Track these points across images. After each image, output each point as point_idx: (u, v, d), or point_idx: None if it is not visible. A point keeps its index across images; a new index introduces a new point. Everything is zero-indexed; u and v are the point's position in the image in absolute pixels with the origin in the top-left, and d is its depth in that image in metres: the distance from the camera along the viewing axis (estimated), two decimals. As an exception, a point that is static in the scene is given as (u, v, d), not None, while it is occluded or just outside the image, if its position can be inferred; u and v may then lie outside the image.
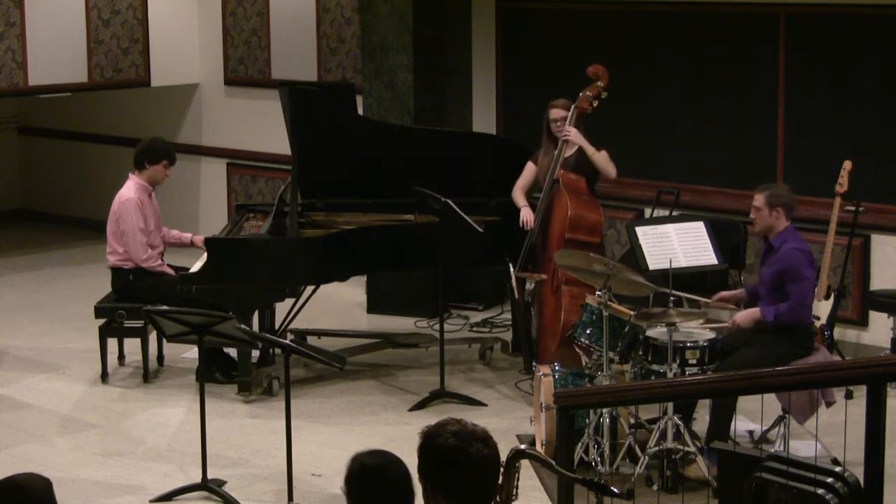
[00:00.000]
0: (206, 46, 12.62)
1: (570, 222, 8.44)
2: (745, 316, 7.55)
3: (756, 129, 9.71)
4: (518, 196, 8.84)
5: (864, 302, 9.20)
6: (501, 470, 3.84)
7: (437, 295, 8.89)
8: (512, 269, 8.71)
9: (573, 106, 8.60)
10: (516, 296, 8.87)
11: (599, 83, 8.62)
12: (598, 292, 7.46)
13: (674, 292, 7.46)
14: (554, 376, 7.57)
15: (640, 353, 7.40)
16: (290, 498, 6.88)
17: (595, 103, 8.63)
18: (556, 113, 8.64)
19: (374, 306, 10.76)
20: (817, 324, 8.16)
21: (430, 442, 3.75)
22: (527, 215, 8.74)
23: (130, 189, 9.18)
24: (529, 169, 8.85)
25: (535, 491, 7.11)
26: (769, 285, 7.57)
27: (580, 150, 8.59)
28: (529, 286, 8.73)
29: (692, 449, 7.16)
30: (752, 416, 7.95)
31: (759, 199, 7.55)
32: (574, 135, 8.53)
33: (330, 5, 11.66)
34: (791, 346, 7.44)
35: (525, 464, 3.99)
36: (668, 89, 10.06)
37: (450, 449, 3.72)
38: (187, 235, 9.45)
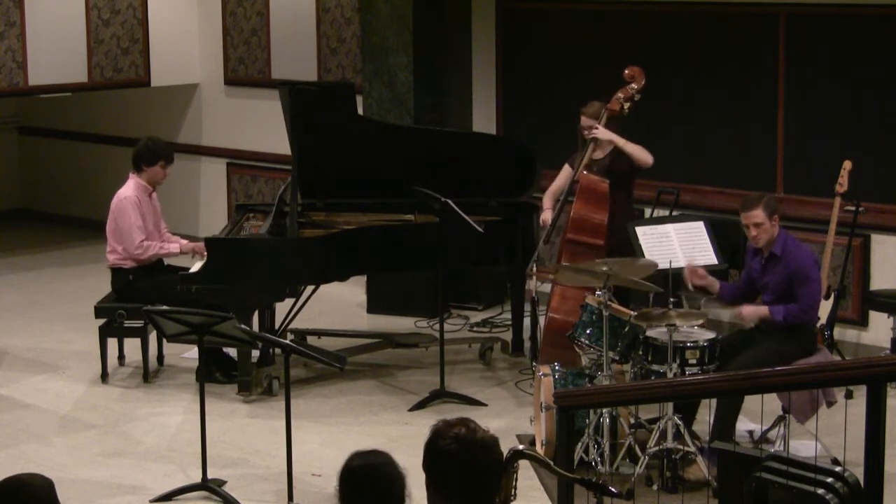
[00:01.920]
0: (206, 46, 12.62)
1: (572, 223, 8.44)
2: (752, 312, 7.53)
3: (756, 129, 9.71)
4: (546, 199, 8.85)
5: (864, 302, 9.20)
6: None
7: (437, 295, 8.89)
8: (534, 267, 8.71)
9: (604, 107, 8.58)
10: (531, 294, 8.86)
11: (633, 86, 8.58)
12: (598, 292, 7.46)
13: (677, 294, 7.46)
14: (554, 376, 7.57)
15: (640, 353, 7.40)
16: (290, 498, 6.88)
17: (627, 105, 8.59)
18: (583, 121, 8.64)
19: (374, 306, 10.75)
20: (817, 324, 8.16)
21: (434, 443, 3.74)
22: (546, 216, 8.74)
23: (129, 188, 9.18)
24: (564, 172, 8.83)
25: (535, 491, 7.11)
26: (777, 292, 7.54)
27: (614, 151, 8.55)
28: (539, 285, 8.72)
29: (692, 449, 7.16)
30: (752, 416, 7.95)
31: (758, 215, 7.45)
32: (601, 132, 8.51)
33: (330, 5, 11.66)
34: (793, 347, 7.44)
35: (525, 464, 3.99)
36: (669, 89, 10.06)
37: (450, 455, 3.70)
38: (179, 245, 9.32)
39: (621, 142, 8.52)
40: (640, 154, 8.54)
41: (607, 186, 8.52)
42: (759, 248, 7.60)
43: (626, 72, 8.65)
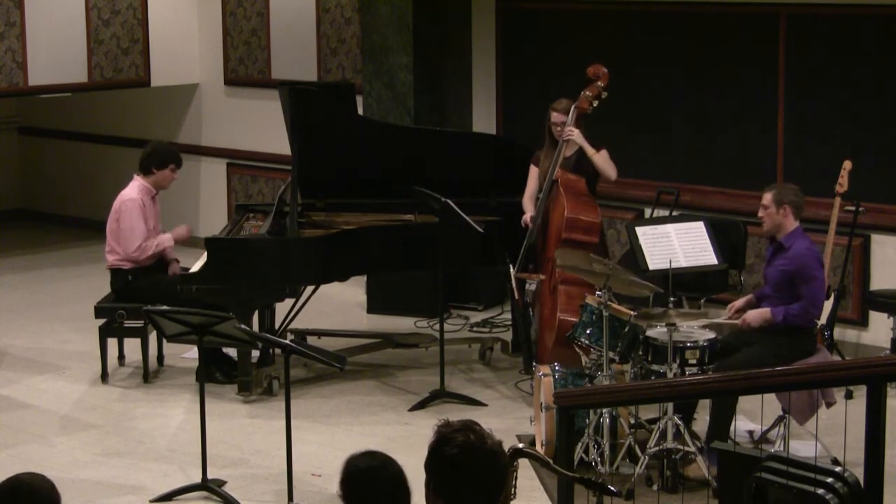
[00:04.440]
0: (206, 46, 12.62)
1: (567, 223, 8.43)
2: (756, 315, 7.52)
3: (756, 129, 9.71)
4: (527, 204, 8.82)
5: (864, 302, 9.20)
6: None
7: (437, 295, 8.89)
8: (512, 270, 8.70)
9: (573, 106, 8.59)
10: (516, 296, 8.87)
11: (599, 83, 8.59)
12: (598, 292, 7.46)
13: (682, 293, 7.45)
14: (554, 376, 7.57)
15: (640, 353, 7.40)
16: (290, 498, 6.88)
17: (595, 103, 8.60)
18: (556, 116, 8.61)
19: (374, 306, 10.75)
20: (817, 324, 8.16)
21: (438, 449, 3.69)
22: (528, 219, 8.72)
23: (133, 190, 9.18)
24: (533, 173, 8.82)
25: (536, 491, 7.11)
26: (775, 284, 7.55)
27: (581, 150, 8.58)
28: (530, 286, 8.73)
29: (692, 449, 7.16)
30: (752, 416, 7.95)
31: (767, 198, 7.54)
32: (577, 135, 8.52)
33: (330, 5, 11.66)
34: (792, 348, 7.44)
35: (525, 463, 3.98)
36: (668, 89, 10.06)
37: (456, 464, 3.65)
38: (171, 236, 9.27)
39: (591, 150, 8.50)
40: (606, 167, 8.52)
41: (585, 184, 8.54)
42: (772, 236, 7.61)
43: (590, 70, 8.64)
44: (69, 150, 13.97)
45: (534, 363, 8.42)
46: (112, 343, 9.25)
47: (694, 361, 7.22)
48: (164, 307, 7.40)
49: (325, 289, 9.22)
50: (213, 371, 8.88)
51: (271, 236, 8.84)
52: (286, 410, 6.74)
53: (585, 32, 10.44)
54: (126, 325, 9.04)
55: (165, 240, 9.22)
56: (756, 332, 7.57)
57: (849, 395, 7.97)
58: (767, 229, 7.64)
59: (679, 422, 7.16)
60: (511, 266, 8.72)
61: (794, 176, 9.50)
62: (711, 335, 7.39)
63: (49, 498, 4.07)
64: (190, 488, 7.29)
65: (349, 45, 11.54)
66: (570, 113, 8.56)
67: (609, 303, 7.38)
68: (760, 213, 7.61)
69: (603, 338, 7.37)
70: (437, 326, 8.92)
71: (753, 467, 5.11)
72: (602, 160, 8.52)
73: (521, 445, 3.98)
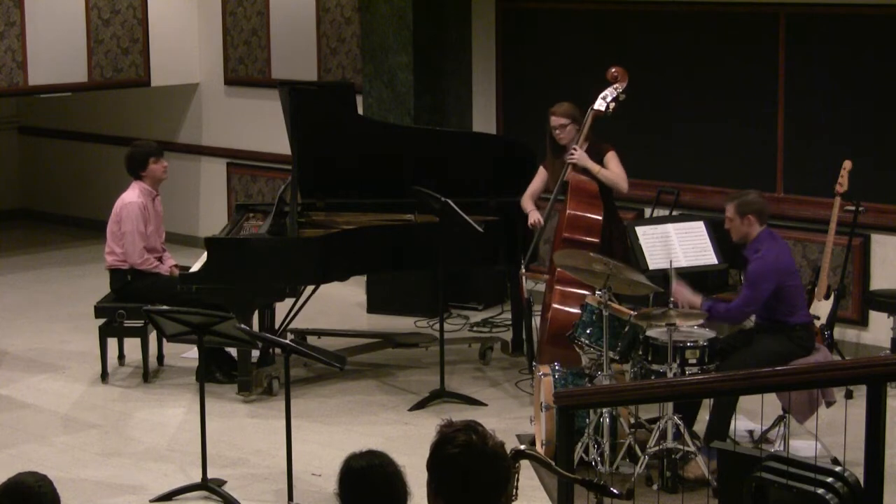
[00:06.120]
0: (206, 46, 12.62)
1: (568, 222, 8.40)
2: (684, 298, 7.47)
3: (756, 129, 9.71)
4: (526, 202, 8.76)
5: (864, 302, 9.21)
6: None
7: (437, 295, 8.89)
8: (522, 268, 8.68)
9: (590, 108, 8.49)
10: (523, 295, 8.85)
11: (617, 86, 8.49)
12: (598, 292, 7.46)
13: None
14: (554, 376, 7.57)
15: (640, 353, 7.40)
16: (290, 498, 6.89)
17: (612, 105, 8.50)
18: (554, 120, 8.51)
19: (374, 306, 10.75)
20: (817, 324, 8.16)
21: (440, 448, 3.68)
22: (535, 217, 8.65)
23: (134, 193, 9.17)
24: (540, 174, 8.75)
25: (536, 491, 7.11)
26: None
27: (594, 155, 8.46)
28: (533, 285, 8.71)
29: (692, 449, 7.16)
30: (752, 416, 7.95)
31: (729, 209, 7.52)
32: (579, 156, 8.39)
33: (330, 5, 11.66)
34: (791, 346, 7.45)
35: (525, 464, 3.98)
36: (668, 89, 10.06)
37: (458, 464, 3.64)
38: (168, 269, 9.26)
39: (595, 168, 8.40)
40: (615, 181, 8.41)
41: (597, 185, 8.46)
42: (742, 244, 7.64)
43: (611, 71, 8.56)
44: (69, 150, 13.97)
45: (534, 363, 8.41)
46: (112, 343, 9.26)
47: (694, 361, 7.22)
48: (164, 307, 7.41)
49: (325, 289, 9.22)
50: (213, 371, 8.89)
51: (271, 236, 8.83)
52: (286, 410, 6.74)
53: (585, 32, 10.44)
54: (126, 325, 9.04)
55: (163, 269, 9.18)
56: (756, 332, 7.57)
57: (849, 395, 7.97)
58: (736, 239, 7.65)
59: (679, 422, 7.16)
60: (522, 264, 8.68)
61: (794, 176, 9.52)
62: (711, 335, 7.39)
63: (51, 499, 4.07)
64: (190, 488, 7.30)
65: (349, 45, 11.54)
66: (586, 117, 8.44)
67: (609, 303, 7.38)
68: (726, 225, 7.59)
69: (603, 338, 7.37)
70: (437, 326, 8.92)
71: (753, 467, 5.11)
72: (607, 176, 8.37)
73: (522, 447, 3.98)
